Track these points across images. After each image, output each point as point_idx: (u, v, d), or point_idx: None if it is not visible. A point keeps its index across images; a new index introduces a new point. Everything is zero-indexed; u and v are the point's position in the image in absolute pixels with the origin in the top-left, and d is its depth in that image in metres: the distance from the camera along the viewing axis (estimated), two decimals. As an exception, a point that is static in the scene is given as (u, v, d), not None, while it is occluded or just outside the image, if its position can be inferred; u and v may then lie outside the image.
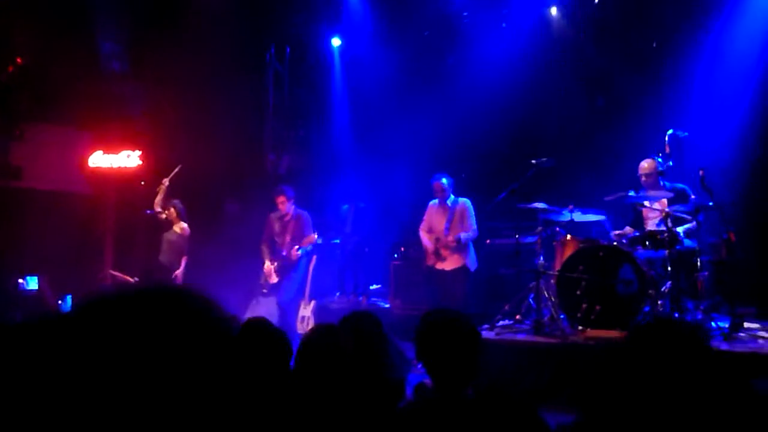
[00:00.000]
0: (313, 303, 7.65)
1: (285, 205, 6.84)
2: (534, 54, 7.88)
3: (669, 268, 5.11)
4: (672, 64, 7.27)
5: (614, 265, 5.17)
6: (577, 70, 7.76)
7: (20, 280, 6.60)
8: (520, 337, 5.39)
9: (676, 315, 5.14)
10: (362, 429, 1.82)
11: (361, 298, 8.38)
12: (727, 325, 5.03)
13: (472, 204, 6.53)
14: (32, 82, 7.99)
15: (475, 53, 8.27)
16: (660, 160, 5.64)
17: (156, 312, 0.85)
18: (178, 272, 7.25)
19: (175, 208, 7.33)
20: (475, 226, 6.42)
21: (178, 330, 0.84)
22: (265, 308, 6.90)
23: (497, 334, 5.45)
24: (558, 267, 5.55)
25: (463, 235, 6.29)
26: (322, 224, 8.34)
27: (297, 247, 6.66)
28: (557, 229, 5.91)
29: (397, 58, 8.71)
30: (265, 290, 6.86)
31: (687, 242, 5.34)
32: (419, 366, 2.23)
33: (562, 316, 5.41)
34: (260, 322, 2.62)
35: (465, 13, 8.48)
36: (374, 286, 8.78)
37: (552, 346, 5.13)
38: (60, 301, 6.02)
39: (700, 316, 5.14)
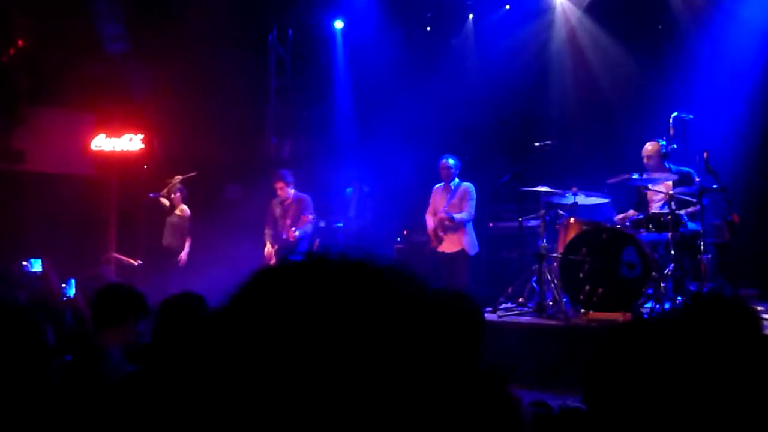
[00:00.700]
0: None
1: (284, 191, 6.84)
2: (537, 36, 7.81)
3: (672, 251, 5.11)
4: (677, 47, 7.20)
5: (617, 247, 5.16)
6: (582, 53, 7.69)
7: (24, 263, 6.63)
8: (523, 319, 5.41)
9: (680, 298, 5.15)
10: (367, 408, 1.82)
11: (363, 282, 8.38)
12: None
13: (476, 186, 6.51)
14: (33, 64, 7.96)
15: (478, 35, 8.20)
16: (664, 143, 5.61)
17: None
18: (183, 254, 7.30)
19: (180, 191, 7.40)
20: (472, 211, 6.38)
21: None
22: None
23: (500, 317, 5.47)
24: (561, 250, 5.54)
25: (457, 216, 6.27)
26: (326, 208, 8.33)
27: (294, 228, 6.67)
28: (560, 211, 5.90)
29: (400, 40, 8.64)
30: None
31: (690, 225, 5.32)
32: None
33: (564, 299, 5.42)
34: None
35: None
36: (377, 270, 8.78)
37: (555, 328, 5.15)
38: (64, 285, 6.05)
39: (703, 299, 5.14)
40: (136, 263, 7.65)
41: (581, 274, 5.24)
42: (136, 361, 2.60)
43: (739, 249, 5.37)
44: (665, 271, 5.18)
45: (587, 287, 5.20)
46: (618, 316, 4.94)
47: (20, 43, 7.91)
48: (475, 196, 6.43)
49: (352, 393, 0.60)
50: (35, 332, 1.71)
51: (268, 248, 6.90)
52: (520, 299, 5.79)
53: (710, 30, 7.05)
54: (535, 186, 5.76)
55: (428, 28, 8.69)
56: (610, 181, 5.58)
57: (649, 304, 5.21)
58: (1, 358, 1.65)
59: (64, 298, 5.50)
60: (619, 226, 5.46)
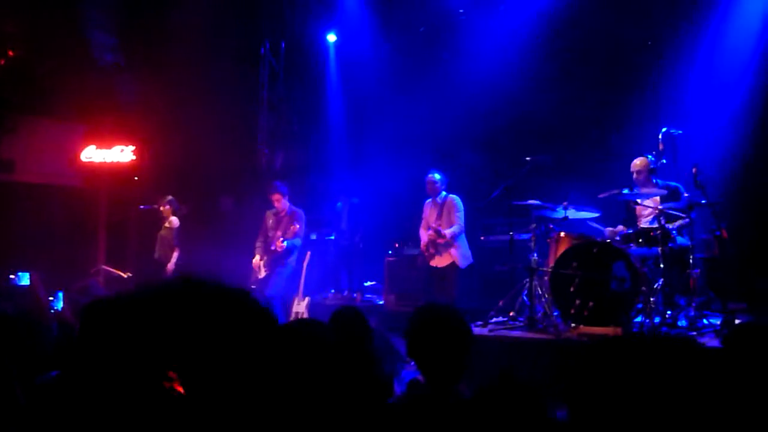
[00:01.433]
0: (307, 299, 7.64)
1: (280, 202, 6.84)
2: (529, 51, 7.87)
3: (662, 265, 5.13)
4: (667, 63, 7.28)
5: (607, 261, 5.17)
6: (573, 68, 7.75)
7: (11, 276, 6.58)
8: (513, 333, 5.39)
9: (669, 312, 5.17)
10: (349, 425, 1.81)
11: (355, 295, 8.37)
12: (719, 322, 5.06)
13: (467, 200, 6.53)
14: (25, 74, 7.93)
15: (470, 49, 8.25)
16: (652, 158, 5.65)
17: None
18: (170, 265, 7.28)
19: (170, 204, 7.41)
20: (461, 222, 6.40)
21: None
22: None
23: (491, 331, 5.46)
24: (552, 264, 5.55)
25: (447, 231, 6.30)
26: (318, 220, 8.33)
27: (282, 239, 6.66)
28: (551, 225, 5.91)
29: (393, 53, 8.69)
30: (254, 285, 6.86)
31: (680, 239, 5.35)
32: (413, 362, 2.22)
33: (555, 313, 5.42)
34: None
35: (461, 10, 8.46)
36: (369, 283, 8.78)
37: (545, 342, 5.14)
38: (51, 298, 6.00)
39: (692, 313, 5.15)
40: (125, 275, 7.60)
41: (572, 288, 5.24)
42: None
43: (728, 263, 5.40)
44: (655, 286, 5.19)
45: (578, 301, 5.20)
46: (608, 330, 4.94)
47: (11, 52, 7.89)
48: (462, 207, 6.45)
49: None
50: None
51: (256, 259, 6.87)
52: (511, 313, 5.79)
53: (699, 46, 7.13)
54: (527, 200, 5.78)
55: (420, 42, 8.75)
56: (600, 196, 5.61)
57: (639, 318, 5.22)
58: None
59: (52, 312, 5.44)
60: (609, 240, 5.48)
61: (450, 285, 6.33)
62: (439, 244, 6.39)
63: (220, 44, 8.21)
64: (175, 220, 7.44)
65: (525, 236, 5.93)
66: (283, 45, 9.71)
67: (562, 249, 5.54)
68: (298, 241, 6.81)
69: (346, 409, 1.87)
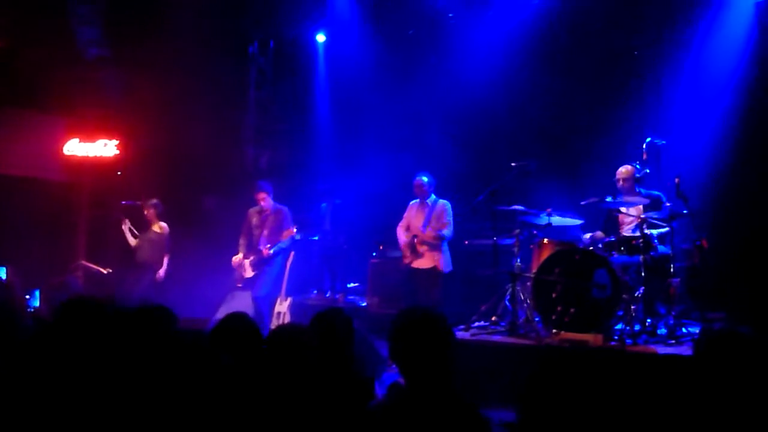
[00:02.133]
0: (289, 300, 7.60)
1: (265, 201, 6.80)
2: (516, 57, 7.91)
3: (643, 274, 5.18)
4: (652, 73, 7.36)
5: (590, 269, 5.21)
6: (559, 75, 7.81)
7: (-13, 270, 6.47)
8: (495, 338, 5.41)
9: (649, 320, 5.22)
10: (330, 427, 1.80)
11: (338, 296, 8.35)
12: (697, 331, 5.12)
13: (452, 203, 6.55)
14: (7, 66, 7.81)
15: (458, 54, 8.28)
16: (638, 166, 5.71)
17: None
18: (161, 271, 7.25)
19: (154, 208, 7.35)
20: (451, 227, 6.43)
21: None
22: (240, 302, 6.84)
23: (473, 335, 5.47)
24: (534, 269, 5.59)
25: (444, 232, 6.31)
26: (302, 221, 8.29)
27: (269, 246, 6.62)
28: (534, 231, 5.95)
29: (382, 56, 8.69)
30: (239, 284, 6.81)
31: (661, 248, 5.41)
32: (394, 365, 2.21)
33: (537, 318, 5.45)
34: (236, 318, 2.59)
35: (450, 14, 8.49)
36: (352, 284, 8.76)
37: (527, 347, 5.16)
38: (28, 296, 5.92)
39: (672, 322, 5.21)
40: (105, 272, 7.51)
41: (554, 294, 5.28)
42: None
43: (708, 273, 5.46)
44: (636, 294, 5.24)
45: (559, 307, 5.24)
46: (589, 337, 4.98)
47: (-5, 44, 7.78)
48: (451, 213, 6.47)
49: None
50: None
51: (239, 257, 6.82)
52: (494, 318, 5.81)
53: (684, 58, 7.22)
54: (511, 205, 5.81)
55: (409, 45, 8.76)
56: (583, 203, 5.65)
57: (619, 326, 5.26)
58: None
59: (30, 310, 5.37)
60: (591, 247, 5.52)
61: (433, 289, 6.33)
62: (427, 244, 6.38)
63: (208, 41, 8.15)
64: (165, 226, 7.40)
65: (509, 241, 5.96)
66: (272, 44, 9.67)
67: (545, 255, 5.57)
68: (285, 243, 6.78)
69: (327, 412, 1.86)
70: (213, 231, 8.12)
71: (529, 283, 5.61)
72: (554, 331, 5.22)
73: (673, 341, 5.00)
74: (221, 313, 7.37)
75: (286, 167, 9.37)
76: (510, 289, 5.63)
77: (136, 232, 7.41)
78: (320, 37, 9.53)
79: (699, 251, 5.37)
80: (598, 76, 7.59)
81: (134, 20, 8.07)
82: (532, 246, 5.91)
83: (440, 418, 1.94)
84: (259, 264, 6.76)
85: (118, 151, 8.67)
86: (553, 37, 7.77)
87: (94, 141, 8.66)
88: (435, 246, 6.36)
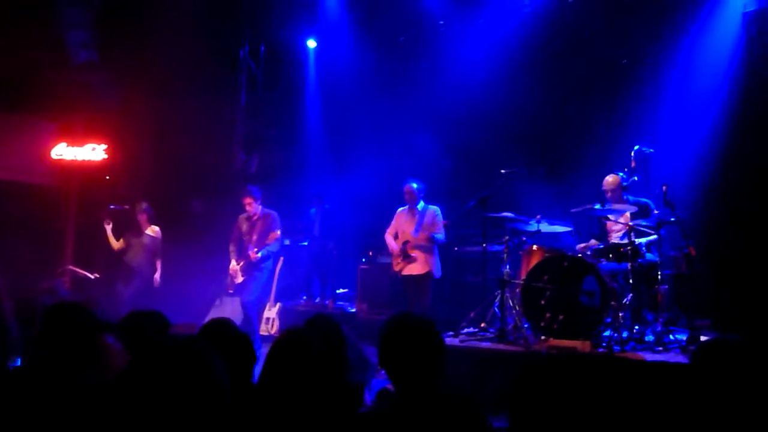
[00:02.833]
0: (278, 305, 7.58)
1: (252, 206, 6.77)
2: (506, 65, 7.97)
3: (631, 281, 5.21)
4: (640, 82, 7.43)
5: (578, 276, 5.24)
6: (548, 83, 7.87)
7: (-26, 273, 6.39)
8: (484, 345, 5.42)
9: (637, 327, 5.25)
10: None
11: (327, 302, 8.33)
12: (684, 338, 5.15)
13: (442, 209, 6.56)
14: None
15: (448, 60, 8.32)
16: (623, 175, 5.76)
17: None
18: (156, 276, 7.22)
19: (146, 212, 7.31)
20: (443, 233, 6.45)
21: None
22: (230, 308, 6.82)
23: (462, 341, 5.47)
24: (523, 276, 5.60)
25: (437, 235, 6.32)
26: (292, 226, 8.28)
27: (256, 249, 6.59)
28: (524, 238, 5.97)
29: (372, 62, 8.71)
30: (231, 290, 6.78)
31: (649, 256, 5.45)
32: (384, 371, 2.21)
33: (526, 325, 5.46)
34: (223, 323, 2.58)
35: (441, 22, 8.53)
36: (341, 290, 8.75)
37: (515, 354, 5.17)
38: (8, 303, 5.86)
39: (659, 329, 5.24)
40: (93, 277, 7.45)
41: (542, 301, 5.30)
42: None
43: (695, 280, 5.50)
44: (624, 301, 5.27)
45: (548, 314, 5.26)
46: (577, 344, 5.00)
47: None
48: (442, 218, 6.48)
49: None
50: None
51: (233, 264, 6.78)
52: (482, 324, 5.82)
53: (672, 67, 7.30)
54: (501, 212, 5.83)
55: (400, 51, 8.80)
56: (573, 211, 5.69)
57: (607, 333, 5.29)
58: None
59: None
60: (580, 255, 5.55)
61: (424, 294, 6.34)
62: (419, 248, 6.38)
63: (199, 46, 8.13)
64: (158, 229, 7.36)
65: (498, 248, 5.98)
66: (263, 49, 9.67)
67: (534, 262, 5.59)
68: (273, 247, 6.75)
69: (317, 419, 1.85)
70: (202, 235, 8.09)
71: (518, 290, 5.62)
72: (543, 337, 5.24)
73: (661, 348, 5.03)
74: (211, 318, 7.34)
75: (275, 172, 9.36)
76: (499, 296, 5.64)
77: (113, 236, 7.35)
78: (311, 43, 9.55)
79: (686, 259, 5.41)
80: (587, 85, 7.66)
81: (123, 24, 8.04)
82: (521, 253, 5.93)
83: (430, 424, 1.94)
84: (248, 269, 6.73)
85: (106, 156, 8.61)
86: (543, 45, 7.83)
87: (82, 145, 8.60)
88: (428, 250, 6.37)
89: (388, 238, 6.65)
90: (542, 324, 5.27)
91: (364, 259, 8.16)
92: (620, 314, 5.18)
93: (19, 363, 2.87)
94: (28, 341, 3.03)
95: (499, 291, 5.62)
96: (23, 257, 7.14)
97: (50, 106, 8.26)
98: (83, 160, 8.60)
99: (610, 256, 5.43)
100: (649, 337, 5.30)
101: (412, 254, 6.38)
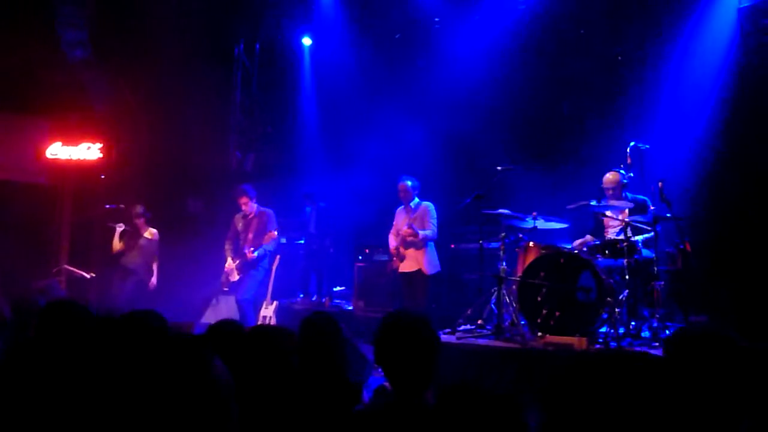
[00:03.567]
0: (275, 303, 7.57)
1: (248, 205, 6.76)
2: (501, 62, 7.97)
3: (627, 277, 5.22)
4: (636, 79, 7.43)
5: (574, 272, 5.25)
6: (544, 80, 7.87)
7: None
8: (481, 341, 5.42)
9: (633, 323, 5.26)
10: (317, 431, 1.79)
11: (324, 300, 8.33)
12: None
13: (438, 206, 6.55)
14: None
15: (444, 57, 8.32)
16: (623, 172, 5.76)
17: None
18: (153, 279, 7.21)
19: (143, 215, 7.30)
20: (435, 229, 6.40)
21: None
22: (226, 306, 6.81)
23: (459, 338, 5.48)
24: (520, 273, 5.61)
25: (421, 232, 6.27)
26: (288, 224, 8.27)
27: (252, 249, 6.58)
28: (520, 235, 5.98)
29: (368, 59, 8.70)
30: (226, 288, 6.77)
31: (645, 252, 5.46)
32: (380, 369, 2.21)
33: (522, 322, 5.47)
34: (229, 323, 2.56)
35: (436, 19, 8.53)
36: (338, 288, 8.74)
37: (512, 351, 5.18)
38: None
39: (655, 324, 5.25)
40: (88, 276, 7.43)
41: (539, 298, 5.30)
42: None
43: (691, 276, 5.52)
44: (620, 297, 5.28)
45: (544, 311, 5.26)
46: (574, 340, 5.01)
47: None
48: (435, 214, 6.44)
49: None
50: None
51: (229, 263, 6.78)
52: (479, 321, 5.82)
53: (667, 64, 7.30)
54: (497, 209, 5.83)
55: (395, 49, 8.79)
56: (569, 207, 5.69)
57: (604, 329, 5.30)
58: None
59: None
60: (576, 251, 5.55)
61: (419, 292, 6.32)
62: (410, 245, 6.36)
63: (194, 44, 8.11)
64: (155, 232, 7.35)
65: (494, 245, 5.98)
66: (258, 47, 9.65)
67: (530, 258, 5.60)
68: (269, 246, 6.74)
69: (314, 416, 1.85)
70: (198, 234, 8.07)
71: (514, 287, 5.63)
72: (539, 334, 5.25)
73: (657, 344, 5.04)
74: (207, 317, 7.34)
75: (271, 170, 9.35)
76: (496, 293, 5.64)
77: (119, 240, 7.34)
78: (306, 41, 9.53)
79: (682, 254, 5.43)
80: (582, 82, 7.66)
81: (118, 23, 8.01)
82: (517, 249, 5.94)
83: (426, 421, 1.94)
84: (245, 267, 6.72)
85: (101, 155, 8.58)
86: (538, 42, 7.83)
87: (77, 144, 8.57)
88: (417, 247, 6.33)
89: (391, 238, 6.66)
90: (539, 320, 5.28)
91: (360, 257, 8.15)
92: (616, 310, 5.19)
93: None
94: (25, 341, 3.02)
95: (496, 288, 5.62)
96: (18, 257, 7.12)
97: (45, 105, 8.22)
98: (78, 160, 8.57)
99: (606, 252, 5.44)
100: (646, 333, 5.31)
101: (403, 252, 6.38)
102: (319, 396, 1.92)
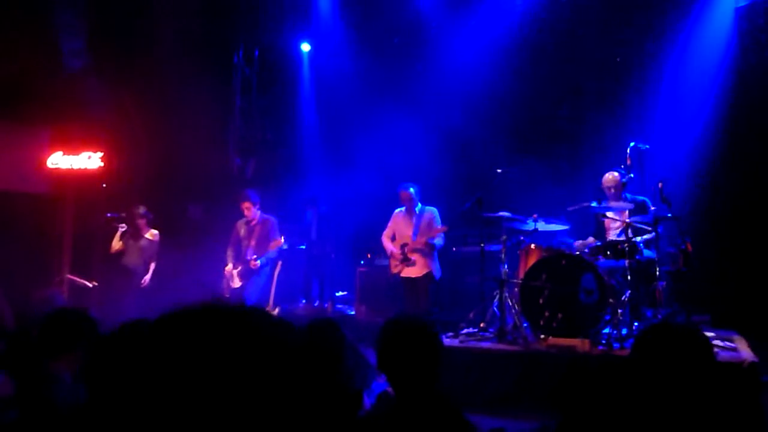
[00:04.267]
0: (277, 309, 7.57)
1: (251, 211, 6.75)
2: (500, 65, 7.98)
3: (629, 278, 5.21)
4: (635, 79, 7.45)
5: (576, 274, 5.25)
6: (543, 82, 7.88)
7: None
8: (483, 344, 5.42)
9: (636, 324, 5.26)
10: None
11: (326, 305, 8.33)
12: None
13: (439, 210, 6.56)
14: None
15: (443, 61, 8.33)
16: (622, 172, 5.76)
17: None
18: (147, 277, 7.18)
19: (144, 217, 7.29)
20: (442, 235, 6.44)
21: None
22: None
23: (461, 342, 5.47)
24: (522, 275, 5.60)
25: (436, 241, 6.31)
26: (289, 230, 8.27)
27: (256, 257, 6.58)
28: (521, 237, 5.98)
29: (367, 64, 8.72)
30: (227, 294, 6.76)
31: (646, 252, 5.45)
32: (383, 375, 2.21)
33: (525, 324, 5.46)
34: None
35: (434, 24, 8.55)
36: (340, 293, 8.74)
37: (514, 353, 5.17)
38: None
39: (658, 325, 5.25)
40: (90, 285, 7.43)
41: (541, 300, 5.30)
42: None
43: (692, 276, 5.52)
44: (622, 298, 5.28)
45: (547, 313, 5.26)
46: (576, 342, 5.00)
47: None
48: (440, 219, 6.48)
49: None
50: None
51: (229, 267, 6.77)
52: (482, 324, 5.81)
53: (666, 65, 7.32)
54: (498, 212, 5.84)
55: (394, 54, 8.81)
56: (569, 209, 5.69)
57: (606, 330, 5.29)
58: None
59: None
60: (578, 252, 5.55)
61: (424, 296, 6.33)
62: (418, 251, 6.37)
63: (193, 50, 8.12)
64: (156, 233, 7.35)
65: (496, 248, 5.98)
66: (257, 53, 9.67)
67: (532, 261, 5.60)
68: (272, 254, 6.73)
69: (316, 422, 1.85)
70: (199, 241, 8.07)
71: (516, 289, 5.63)
72: (542, 336, 5.24)
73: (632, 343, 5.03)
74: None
75: (271, 176, 9.35)
76: (498, 296, 5.64)
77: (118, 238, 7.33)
78: (305, 46, 9.55)
79: (684, 255, 5.42)
80: (581, 83, 7.68)
81: (117, 31, 8.03)
82: (519, 252, 5.93)
83: (429, 426, 1.94)
84: (247, 274, 6.71)
85: (102, 164, 8.58)
86: (536, 44, 7.84)
87: (78, 153, 8.57)
88: (427, 253, 6.36)
89: (385, 240, 6.64)
90: (541, 323, 5.27)
91: (362, 262, 8.16)
92: (619, 311, 5.18)
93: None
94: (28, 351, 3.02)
95: (498, 291, 5.62)
96: (20, 266, 7.12)
97: (45, 114, 8.23)
98: (79, 169, 8.57)
99: (608, 253, 5.44)
100: (648, 334, 5.30)
101: (412, 257, 6.37)
102: (320, 402, 1.92)
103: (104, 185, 8.52)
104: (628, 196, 5.74)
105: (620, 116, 7.28)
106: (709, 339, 1.64)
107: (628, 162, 5.78)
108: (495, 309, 5.74)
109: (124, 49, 7.94)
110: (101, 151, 8.60)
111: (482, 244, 5.94)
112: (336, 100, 9.04)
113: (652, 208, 5.53)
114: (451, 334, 5.65)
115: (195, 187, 8.88)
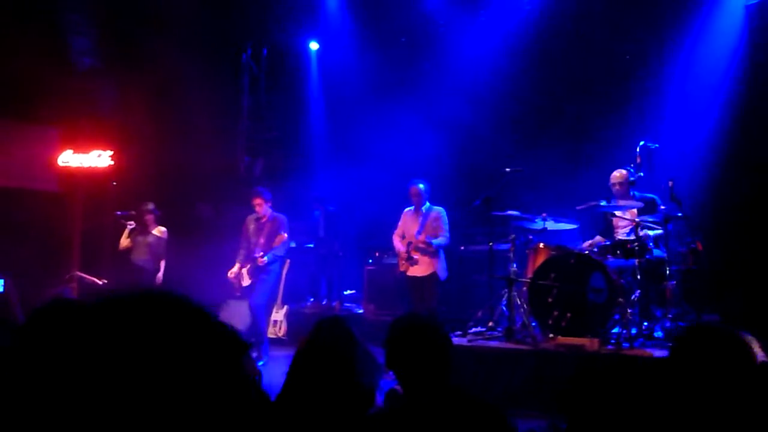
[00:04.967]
0: (285, 307, 7.59)
1: (262, 207, 6.75)
2: (508, 63, 7.96)
3: (638, 277, 5.19)
4: (644, 78, 7.40)
5: (585, 273, 5.22)
6: (551, 80, 7.85)
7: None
8: (492, 344, 5.41)
9: (646, 323, 5.23)
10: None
11: (334, 304, 8.34)
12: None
13: (447, 208, 6.54)
14: (-1, 77, 7.79)
15: (451, 60, 8.32)
16: (631, 170, 5.74)
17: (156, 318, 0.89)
18: (159, 275, 7.23)
19: (152, 213, 7.33)
20: (447, 234, 6.39)
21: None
22: (237, 311, 6.82)
23: (470, 341, 5.47)
24: (530, 274, 5.59)
25: (434, 241, 6.28)
26: (297, 228, 8.29)
27: (262, 254, 6.57)
28: (530, 236, 5.96)
29: (374, 63, 8.72)
30: (238, 293, 6.78)
31: (656, 251, 5.42)
32: (391, 373, 2.21)
33: (533, 323, 5.45)
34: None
35: (441, 22, 8.54)
36: (348, 292, 8.76)
37: (523, 352, 5.16)
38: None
39: (668, 324, 5.22)
40: (100, 282, 7.48)
41: (550, 299, 5.28)
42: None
43: (702, 275, 5.48)
44: (632, 297, 5.25)
45: (555, 312, 5.24)
46: (585, 341, 4.98)
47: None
48: (447, 220, 6.43)
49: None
50: None
51: (237, 267, 6.73)
52: (490, 323, 5.80)
53: (676, 62, 7.27)
54: (506, 211, 5.82)
55: (402, 52, 8.81)
56: (578, 208, 5.67)
57: (616, 329, 5.27)
58: None
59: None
60: (587, 252, 5.53)
61: (430, 295, 6.31)
62: (420, 250, 6.36)
63: (201, 49, 8.15)
64: (164, 230, 7.39)
65: (504, 246, 5.97)
66: (265, 51, 9.69)
67: (540, 260, 5.58)
68: (279, 251, 6.73)
69: (327, 421, 1.86)
70: (208, 239, 8.11)
71: (525, 288, 5.61)
72: (551, 335, 5.23)
73: (671, 344, 5.00)
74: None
75: (279, 174, 9.37)
76: (506, 295, 5.63)
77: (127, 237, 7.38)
78: (313, 45, 9.57)
79: (694, 254, 5.39)
80: (590, 81, 7.64)
81: (127, 30, 8.07)
82: (527, 251, 5.92)
83: (439, 424, 1.94)
84: (256, 272, 6.72)
85: (112, 162, 8.64)
86: (544, 43, 7.81)
87: (88, 152, 8.63)
88: (431, 253, 6.34)
89: (395, 238, 6.63)
90: (550, 322, 5.25)
91: (370, 260, 8.16)
92: (628, 311, 5.16)
93: None
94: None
95: (507, 289, 5.61)
96: (31, 264, 7.17)
97: (55, 113, 8.29)
98: (89, 167, 8.63)
99: (617, 252, 5.41)
100: (658, 333, 5.28)
101: (415, 256, 6.35)
102: (333, 400, 1.92)
103: (114, 183, 8.57)
104: (637, 194, 5.72)
105: (630, 114, 7.24)
106: (749, 341, 1.60)
107: (638, 161, 5.76)
108: (503, 308, 5.73)
109: (133, 48, 7.98)
110: (111, 150, 8.66)
111: (491, 243, 5.93)
112: (344, 98, 9.05)
113: (662, 207, 5.50)
114: (459, 332, 5.64)
115: (204, 186, 8.92)
